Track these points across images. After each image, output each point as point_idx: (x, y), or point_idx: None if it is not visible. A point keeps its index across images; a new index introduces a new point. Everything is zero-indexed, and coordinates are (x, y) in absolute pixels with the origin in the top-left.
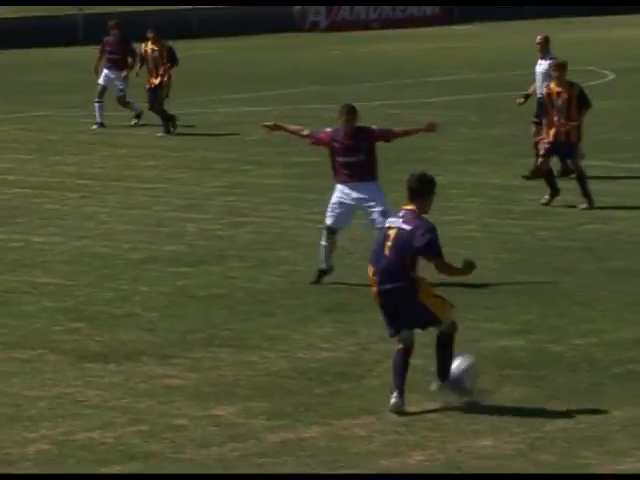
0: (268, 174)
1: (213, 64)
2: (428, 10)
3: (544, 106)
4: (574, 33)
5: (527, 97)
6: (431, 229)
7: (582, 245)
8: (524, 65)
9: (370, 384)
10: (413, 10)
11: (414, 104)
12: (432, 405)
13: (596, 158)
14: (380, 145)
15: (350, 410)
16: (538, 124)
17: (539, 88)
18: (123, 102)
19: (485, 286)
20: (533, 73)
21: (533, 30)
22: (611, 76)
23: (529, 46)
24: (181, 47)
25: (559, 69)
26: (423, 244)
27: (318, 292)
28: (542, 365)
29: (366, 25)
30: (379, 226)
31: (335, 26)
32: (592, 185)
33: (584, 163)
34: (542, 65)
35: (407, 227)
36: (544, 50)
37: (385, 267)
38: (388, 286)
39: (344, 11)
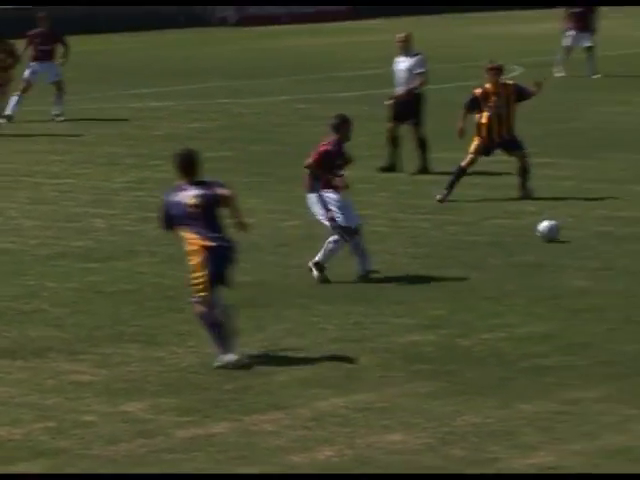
0: None
1: (121, 59)
2: (336, 5)
3: (475, 105)
4: (480, 28)
5: (393, 97)
6: None
7: (490, 239)
8: (433, 60)
9: (279, 380)
10: (322, 5)
11: (323, 99)
12: (341, 401)
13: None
14: (290, 140)
15: (259, 406)
16: (396, 122)
17: (402, 85)
18: (61, 86)
19: (394, 281)
20: (393, 71)
21: (439, 25)
22: (519, 71)
23: (435, 41)
24: (89, 42)
25: (497, 72)
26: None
27: (226, 288)
28: (451, 360)
29: (275, 20)
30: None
31: (244, 21)
32: (500, 180)
33: (492, 157)
34: (404, 62)
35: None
36: (406, 48)
37: None
38: None
39: (253, 6)
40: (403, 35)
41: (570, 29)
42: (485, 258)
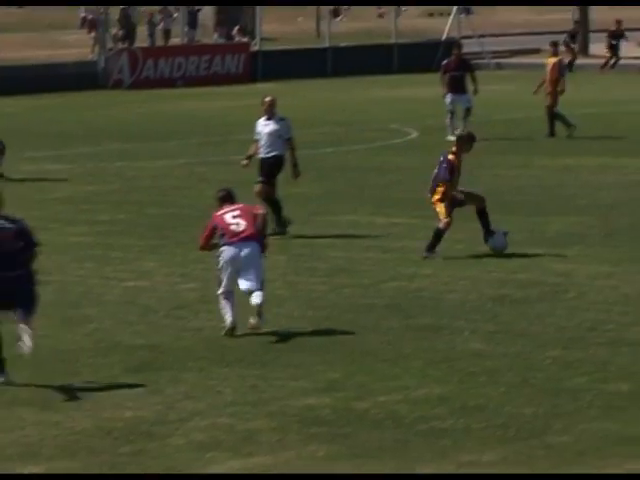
0: (72, 232)
1: (15, 122)
2: (232, 68)
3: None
4: (376, 91)
5: (250, 157)
6: None
7: (387, 302)
8: (325, 123)
9: (176, 443)
10: (217, 68)
11: (219, 162)
12: (238, 464)
13: (400, 216)
14: (186, 203)
15: (155, 470)
16: (264, 183)
17: (265, 149)
18: None
19: (290, 344)
20: (257, 133)
21: (334, 87)
22: (414, 134)
23: (331, 104)
24: None
25: (468, 143)
26: None
27: (123, 351)
28: (347, 422)
29: (170, 83)
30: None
31: (139, 84)
32: (395, 243)
33: (388, 220)
34: (269, 126)
35: None
36: (272, 112)
37: None
38: None
39: (148, 69)
40: (270, 99)
41: (447, 93)
42: (381, 321)
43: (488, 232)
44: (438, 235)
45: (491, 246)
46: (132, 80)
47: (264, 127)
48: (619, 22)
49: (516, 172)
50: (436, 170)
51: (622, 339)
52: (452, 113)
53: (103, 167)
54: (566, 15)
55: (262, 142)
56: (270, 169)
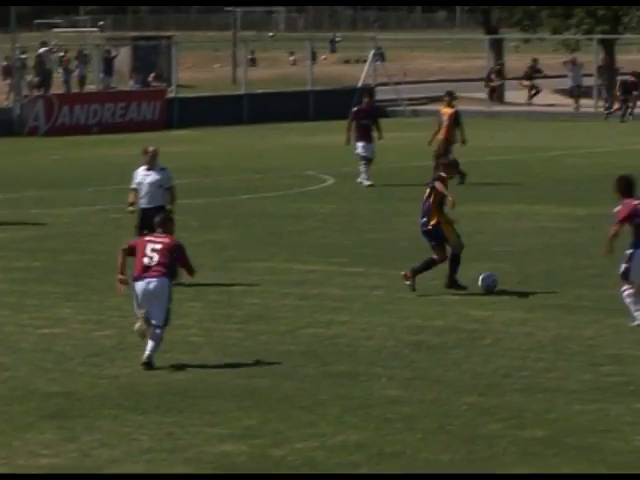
0: None
1: None
2: (148, 115)
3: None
4: (292, 138)
5: (133, 204)
6: None
7: (303, 349)
8: (242, 170)
9: None
10: (132, 115)
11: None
12: None
13: (316, 263)
14: (102, 250)
15: None
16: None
17: (146, 199)
18: None
19: (206, 391)
20: (137, 183)
21: (250, 134)
22: (331, 181)
23: (247, 150)
24: None
25: (455, 169)
26: None
27: (39, 398)
28: (263, 470)
29: (86, 130)
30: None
31: (55, 131)
32: (311, 289)
33: (305, 266)
34: (150, 176)
35: None
36: (153, 162)
37: None
38: None
39: (63, 116)
40: (153, 149)
41: (357, 141)
42: (298, 367)
43: (452, 279)
44: (429, 265)
45: (484, 286)
46: (48, 127)
47: (145, 177)
48: (535, 60)
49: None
50: (425, 202)
51: (537, 385)
52: (364, 158)
53: (19, 214)
54: (479, 62)
55: (143, 192)
56: (151, 220)
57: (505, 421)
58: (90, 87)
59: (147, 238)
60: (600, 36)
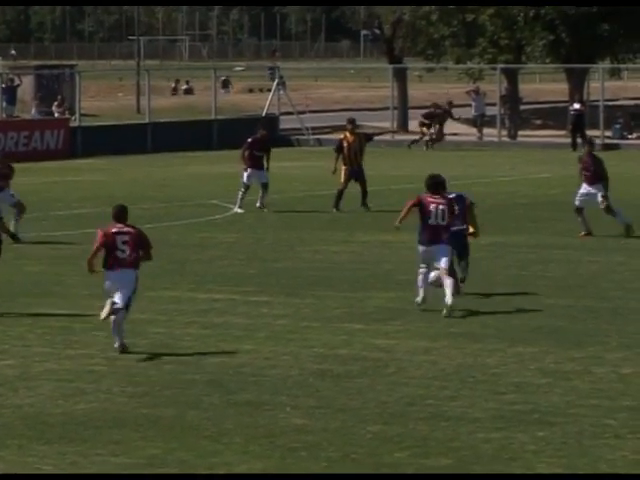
0: None
1: None
2: (51, 144)
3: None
4: (196, 167)
5: None
6: None
7: (208, 378)
8: (146, 199)
9: None
10: (36, 144)
11: (38, 238)
12: None
13: (221, 292)
14: (2, 279)
15: None
16: None
17: None
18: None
19: (110, 420)
20: None
21: (154, 163)
22: (234, 210)
23: (151, 180)
24: None
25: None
26: None
27: None
28: None
29: None
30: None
31: None
32: (218, 318)
33: (207, 295)
34: None
35: None
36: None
37: None
38: None
39: None
40: None
41: (247, 167)
42: (202, 397)
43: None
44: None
45: None
46: None
47: None
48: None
49: (337, 248)
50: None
51: (441, 414)
52: (247, 188)
53: None
54: (383, 92)
55: None
56: None
57: (410, 449)
58: None
59: (114, 230)
60: (503, 65)
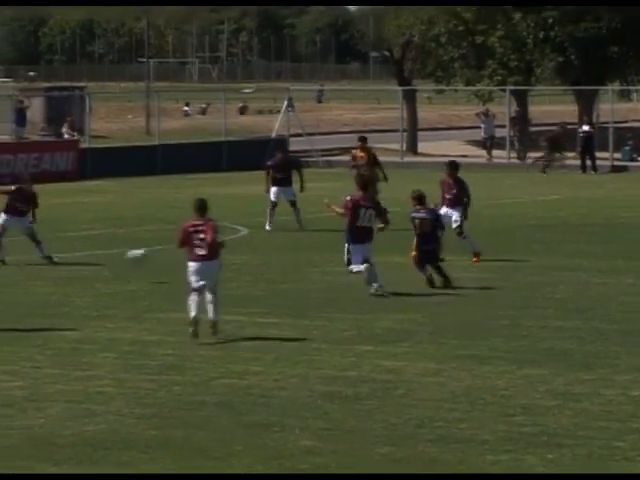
0: None
1: None
2: (61, 165)
3: None
4: (205, 188)
5: None
6: None
7: (217, 400)
8: (155, 220)
9: None
10: (46, 166)
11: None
12: None
13: (229, 313)
14: (17, 300)
15: None
16: None
17: None
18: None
19: (119, 442)
20: None
21: (163, 185)
22: (244, 231)
23: (160, 201)
24: None
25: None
26: None
27: None
28: None
29: None
30: None
31: None
32: (229, 339)
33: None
34: None
35: None
36: None
37: None
38: None
39: None
40: None
41: (272, 187)
42: (211, 418)
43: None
44: None
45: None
46: None
47: None
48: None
49: (345, 269)
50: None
51: (450, 436)
52: (274, 205)
53: None
54: (393, 113)
55: None
56: None
57: (418, 471)
58: (2, 137)
59: (191, 229)
60: (513, 87)
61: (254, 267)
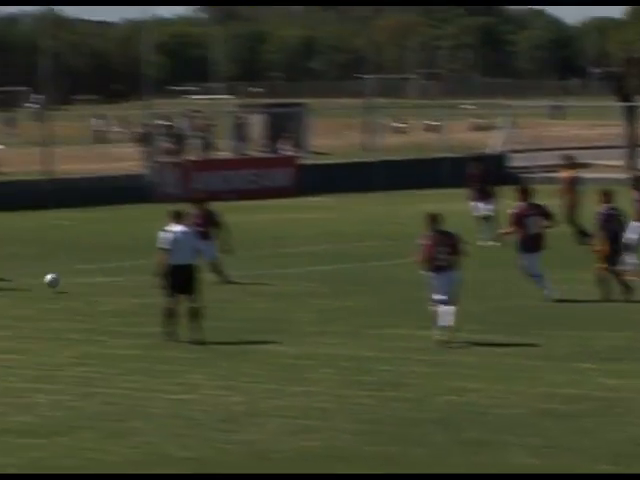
0: (120, 344)
1: (67, 235)
2: (279, 181)
3: None
4: (424, 205)
5: None
6: None
7: (434, 416)
8: (375, 236)
9: None
10: (265, 182)
11: (269, 275)
12: None
13: (463, 330)
14: (239, 316)
15: None
16: None
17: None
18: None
19: (341, 457)
20: None
21: (383, 201)
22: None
23: (380, 217)
24: (35, 218)
25: None
26: None
27: (170, 463)
28: None
29: (218, 196)
30: None
31: (187, 197)
32: (444, 356)
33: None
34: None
35: None
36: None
37: None
38: None
39: (196, 182)
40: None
41: (474, 200)
42: (429, 435)
43: None
44: None
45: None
46: (181, 193)
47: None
48: None
49: (560, 285)
50: None
51: None
52: (479, 219)
53: (149, 280)
54: (615, 130)
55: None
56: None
57: None
58: (222, 153)
59: (431, 243)
60: None
61: (472, 283)
